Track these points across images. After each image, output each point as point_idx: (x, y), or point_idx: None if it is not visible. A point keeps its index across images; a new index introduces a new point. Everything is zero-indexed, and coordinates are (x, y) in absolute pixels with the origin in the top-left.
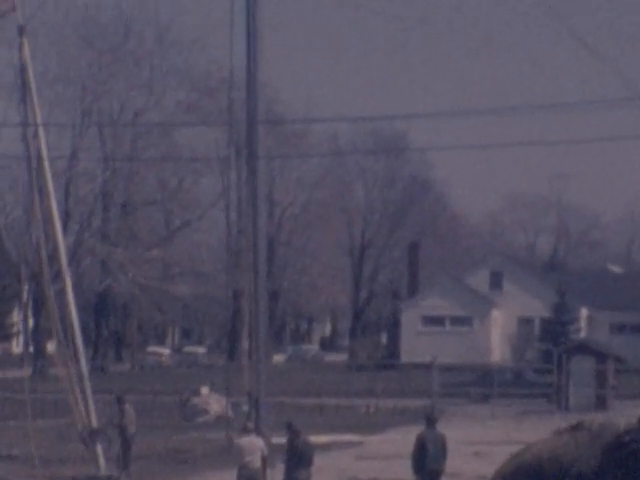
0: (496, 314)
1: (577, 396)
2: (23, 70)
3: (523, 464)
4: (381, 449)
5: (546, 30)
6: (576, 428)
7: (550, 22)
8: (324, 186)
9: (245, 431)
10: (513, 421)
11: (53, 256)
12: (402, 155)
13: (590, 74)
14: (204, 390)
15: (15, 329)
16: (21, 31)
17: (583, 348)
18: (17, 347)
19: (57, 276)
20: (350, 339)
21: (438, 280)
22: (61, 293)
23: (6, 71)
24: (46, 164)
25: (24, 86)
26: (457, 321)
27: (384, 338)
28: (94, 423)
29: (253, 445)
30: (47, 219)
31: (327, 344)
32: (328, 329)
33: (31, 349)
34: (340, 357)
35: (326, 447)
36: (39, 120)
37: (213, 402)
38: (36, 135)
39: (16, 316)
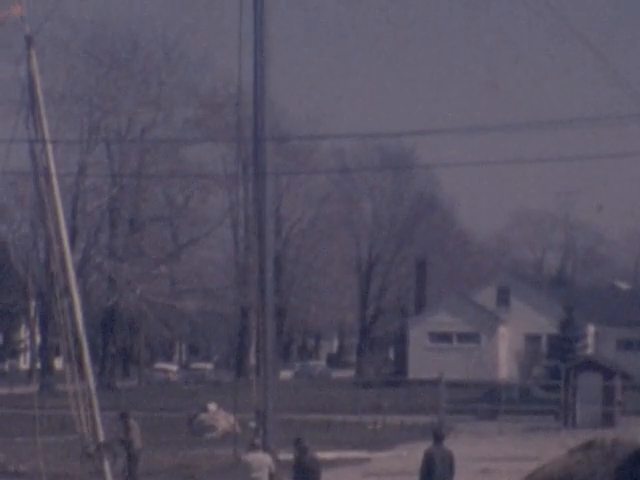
0: (503, 331)
1: (584, 413)
2: (31, 82)
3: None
4: (388, 465)
5: (555, 46)
6: (589, 446)
7: (559, 37)
8: (331, 202)
9: (252, 447)
10: (520, 437)
11: (60, 273)
12: (409, 172)
13: (598, 90)
14: (212, 406)
15: (22, 345)
16: (29, 42)
17: (590, 365)
18: (24, 363)
19: (65, 292)
20: (357, 355)
21: (445, 297)
22: (69, 309)
23: (13, 86)
24: (55, 180)
25: (32, 98)
26: (464, 338)
27: (391, 354)
28: (101, 439)
29: (260, 461)
30: (55, 236)
31: (334, 360)
32: (335, 345)
33: (38, 365)
34: (347, 373)
35: (333, 464)
36: (47, 135)
37: (221, 418)
38: (44, 151)
39: (23, 332)
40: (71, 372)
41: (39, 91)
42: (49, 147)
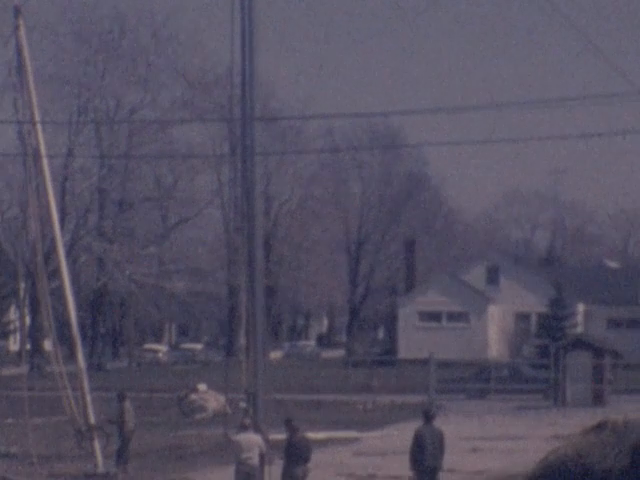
0: (493, 310)
1: (574, 391)
2: (19, 54)
3: (549, 465)
4: (379, 445)
5: (543, 24)
6: (600, 428)
7: (547, 16)
8: (320, 182)
9: (243, 428)
10: (510, 416)
11: (50, 253)
12: (398, 151)
13: (587, 68)
14: (202, 387)
15: (12, 327)
16: (17, 12)
17: (580, 343)
18: (14, 345)
19: (54, 274)
20: (347, 335)
21: (435, 276)
22: (58, 290)
23: (1, 69)
24: (45, 162)
25: (21, 72)
26: (454, 317)
27: (381, 334)
28: (92, 420)
29: (251, 442)
30: (44, 217)
31: (324, 340)
32: (325, 325)
33: (28, 346)
34: (337, 353)
35: (324, 443)
36: (36, 112)
37: (211, 399)
38: (32, 132)
39: (13, 314)
40: (56, 354)
41: (28, 64)
42: (39, 128)
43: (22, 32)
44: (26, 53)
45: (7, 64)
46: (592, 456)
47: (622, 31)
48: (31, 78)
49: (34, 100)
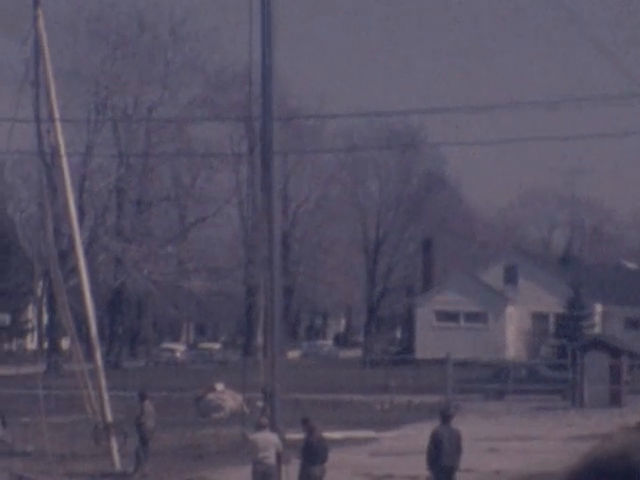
0: (510, 310)
1: (591, 392)
2: (38, 45)
3: (593, 462)
4: (396, 445)
5: (562, 25)
6: None
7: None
8: (338, 181)
9: (260, 427)
10: (528, 417)
11: (68, 252)
12: (416, 150)
13: (606, 69)
14: (219, 386)
15: (30, 325)
16: (36, 3)
17: (597, 344)
18: (32, 343)
19: (72, 272)
20: (365, 335)
21: (452, 275)
22: (76, 289)
23: (19, 68)
24: (64, 160)
25: (39, 62)
26: (471, 317)
27: (398, 334)
28: (109, 418)
29: (268, 441)
30: (62, 215)
31: (341, 340)
32: (343, 325)
33: (45, 345)
34: (355, 353)
35: (341, 443)
36: (55, 106)
37: (228, 398)
38: (51, 130)
39: (31, 312)
40: (77, 352)
41: (47, 55)
42: (58, 125)
43: (41, 23)
44: (45, 44)
45: (25, 61)
46: (638, 455)
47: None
48: (50, 69)
49: (53, 94)
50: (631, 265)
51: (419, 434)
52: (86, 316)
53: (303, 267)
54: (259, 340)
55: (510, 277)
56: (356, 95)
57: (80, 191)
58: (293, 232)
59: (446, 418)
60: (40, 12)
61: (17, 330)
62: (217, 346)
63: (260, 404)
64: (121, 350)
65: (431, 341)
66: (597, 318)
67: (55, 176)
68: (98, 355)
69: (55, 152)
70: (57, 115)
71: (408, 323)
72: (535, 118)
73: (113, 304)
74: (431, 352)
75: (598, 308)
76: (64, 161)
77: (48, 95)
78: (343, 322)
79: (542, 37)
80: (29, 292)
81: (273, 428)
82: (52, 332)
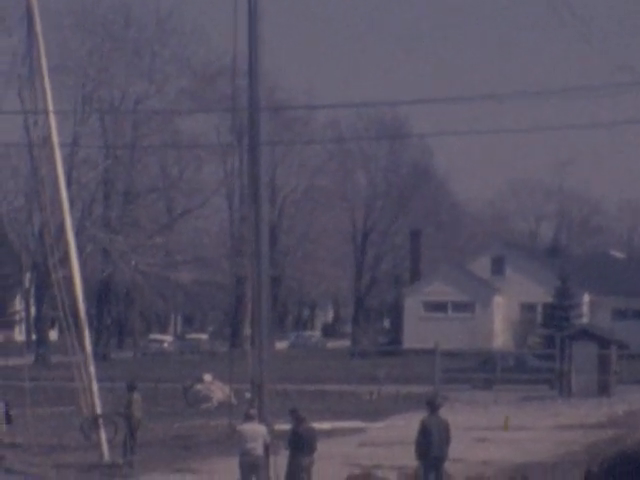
0: (498, 300)
1: (579, 382)
2: (30, 35)
3: (625, 449)
4: (384, 435)
5: (548, 15)
6: None
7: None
8: (326, 172)
9: (248, 418)
10: (516, 407)
11: (57, 243)
12: (404, 142)
13: (592, 59)
14: (207, 377)
15: (17, 317)
16: None
17: (585, 334)
18: (19, 335)
19: (62, 263)
20: (352, 325)
21: (440, 266)
22: (65, 280)
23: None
24: (57, 151)
25: (32, 45)
26: (459, 307)
27: (386, 324)
28: (98, 410)
29: (255, 432)
30: (52, 206)
31: (329, 330)
32: (330, 315)
33: (33, 337)
34: (342, 343)
35: (329, 434)
36: (50, 102)
37: (216, 389)
38: (38, 122)
39: (18, 304)
40: (69, 343)
41: (41, 46)
42: (52, 116)
43: (36, 12)
44: (40, 36)
45: (12, 53)
46: None
47: (627, 22)
48: (44, 61)
49: (47, 86)
50: (618, 255)
51: (407, 424)
52: (76, 305)
53: (291, 258)
54: (247, 331)
55: (498, 268)
56: (344, 86)
57: (68, 183)
58: (281, 223)
59: (434, 408)
60: (35, 1)
61: (5, 321)
62: (205, 337)
63: (248, 395)
64: (109, 341)
65: (419, 331)
66: (585, 308)
67: (43, 167)
68: (88, 345)
69: (44, 143)
70: (51, 107)
71: (396, 313)
72: (522, 109)
73: (100, 295)
74: (419, 342)
75: (586, 298)
76: (57, 151)
77: (42, 87)
78: (331, 313)
79: (529, 27)
80: (17, 284)
81: (261, 419)
82: (40, 324)
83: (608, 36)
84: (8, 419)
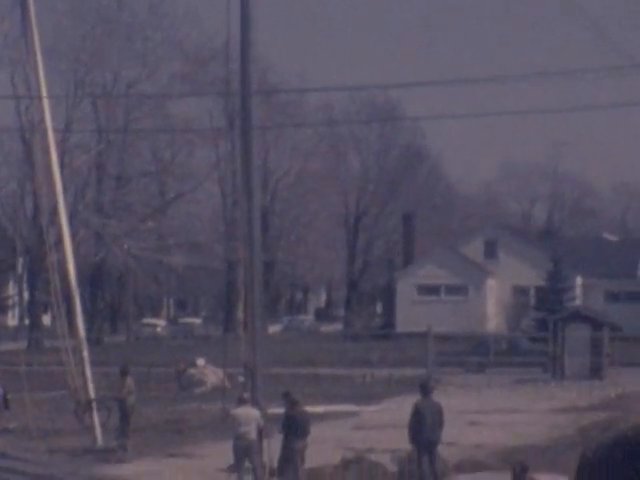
0: (491, 283)
1: (572, 364)
2: (24, 20)
3: (620, 434)
4: (377, 419)
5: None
6: None
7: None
8: (318, 156)
9: (241, 402)
10: (509, 390)
11: (50, 227)
12: (396, 125)
13: (586, 41)
14: (200, 361)
15: (10, 302)
16: None
17: (578, 316)
18: (13, 320)
19: (55, 247)
20: (345, 309)
21: (433, 249)
22: (59, 264)
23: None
24: (51, 135)
25: (26, 28)
26: (452, 290)
27: (379, 308)
28: (92, 394)
29: (249, 416)
30: (45, 190)
31: (322, 314)
32: (323, 299)
33: (26, 321)
34: (335, 327)
35: (322, 417)
36: (44, 87)
37: (209, 373)
38: (32, 106)
39: (11, 289)
40: (61, 327)
41: (35, 31)
42: (46, 101)
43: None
44: (33, 22)
45: (4, 38)
46: None
47: (622, 4)
48: (38, 46)
49: (41, 71)
50: (612, 238)
51: (400, 408)
52: (69, 289)
53: (283, 242)
54: (240, 315)
55: (491, 250)
56: (336, 69)
57: (60, 167)
58: (273, 207)
59: (427, 391)
60: None
61: None
62: (198, 321)
63: (241, 379)
64: (102, 326)
65: (412, 315)
66: (578, 291)
67: (37, 152)
68: (81, 329)
69: (37, 128)
70: (45, 93)
71: (389, 297)
72: (517, 91)
73: (93, 280)
74: (412, 326)
75: (579, 281)
76: (51, 135)
77: (35, 72)
78: (324, 296)
79: (524, 10)
80: (10, 268)
81: (254, 403)
82: (33, 308)
83: (610, 18)
84: (6, 404)
